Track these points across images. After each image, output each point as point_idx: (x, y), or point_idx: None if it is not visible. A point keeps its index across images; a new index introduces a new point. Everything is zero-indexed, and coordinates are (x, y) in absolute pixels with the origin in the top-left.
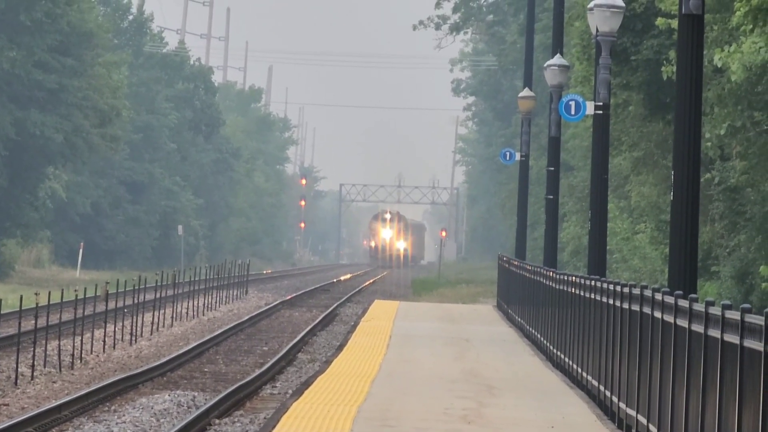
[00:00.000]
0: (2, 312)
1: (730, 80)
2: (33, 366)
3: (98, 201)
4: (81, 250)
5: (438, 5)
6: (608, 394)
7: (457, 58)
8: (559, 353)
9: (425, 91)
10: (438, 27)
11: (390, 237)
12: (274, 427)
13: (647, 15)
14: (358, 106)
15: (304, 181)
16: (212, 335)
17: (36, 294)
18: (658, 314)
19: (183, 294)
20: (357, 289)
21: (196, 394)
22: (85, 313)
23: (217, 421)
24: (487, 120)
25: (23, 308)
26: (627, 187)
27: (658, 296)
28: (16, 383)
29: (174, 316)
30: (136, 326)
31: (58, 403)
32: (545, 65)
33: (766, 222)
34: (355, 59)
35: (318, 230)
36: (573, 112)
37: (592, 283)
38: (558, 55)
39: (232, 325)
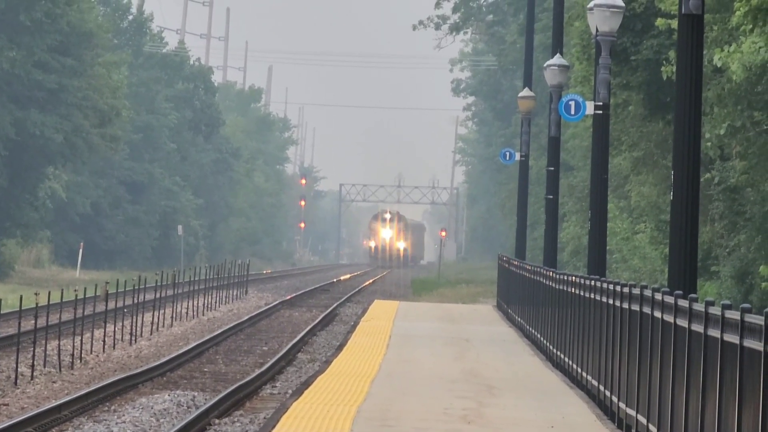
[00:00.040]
0: (2, 312)
1: (729, 80)
2: (33, 366)
3: (98, 201)
4: (81, 250)
5: (438, 5)
6: (608, 393)
7: (456, 58)
8: (559, 353)
9: (425, 91)
10: (438, 27)
11: (390, 237)
12: (273, 427)
13: (647, 15)
14: (358, 106)
15: (304, 181)
16: (212, 335)
17: (36, 294)
18: (657, 314)
19: (183, 294)
20: (357, 289)
21: (195, 394)
22: (85, 313)
23: (216, 421)
24: (486, 120)
25: (23, 308)
26: (627, 187)
27: (658, 296)
28: (15, 383)
29: (174, 316)
30: (136, 326)
31: (58, 403)
32: (545, 65)
33: (765, 222)
34: (355, 59)
35: (318, 230)
36: (573, 112)
37: (592, 283)
38: (558, 55)
39: (231, 325)
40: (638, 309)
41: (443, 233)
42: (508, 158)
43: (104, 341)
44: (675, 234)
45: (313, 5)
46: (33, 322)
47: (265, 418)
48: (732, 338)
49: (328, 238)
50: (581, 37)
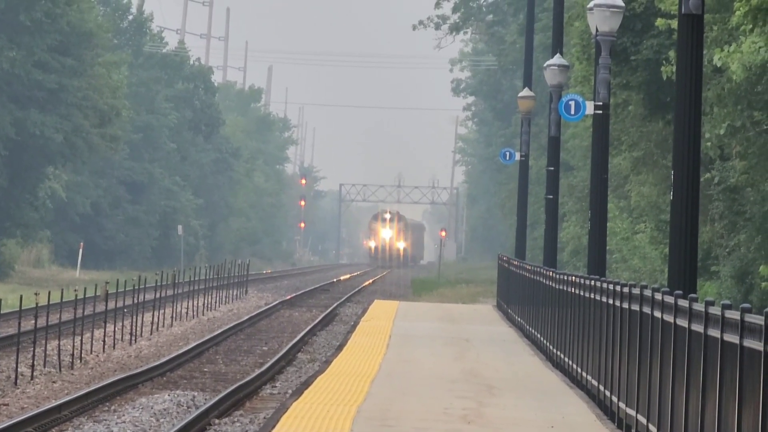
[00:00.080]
0: (2, 312)
1: (729, 80)
2: (33, 366)
3: (98, 201)
4: (81, 250)
5: (438, 5)
6: (608, 393)
7: (456, 58)
8: (558, 353)
9: (425, 91)
10: (438, 27)
11: (390, 237)
12: (273, 427)
13: (647, 15)
14: (358, 106)
15: (303, 181)
16: (212, 335)
17: (36, 294)
18: (657, 314)
19: (183, 294)
20: (357, 289)
21: (195, 393)
22: (85, 313)
23: (216, 421)
24: (486, 120)
25: (23, 308)
26: (627, 187)
27: (658, 296)
28: (15, 383)
29: (174, 316)
30: (136, 326)
31: (58, 403)
32: (545, 65)
33: (765, 222)
34: (355, 59)
35: (318, 230)
36: (573, 112)
37: (592, 282)
38: (558, 54)
39: (231, 325)
40: (638, 309)
41: (443, 233)
42: (508, 158)
43: (104, 341)
44: (675, 234)
45: (313, 5)
46: (33, 322)
47: (265, 418)
48: (732, 338)
49: (328, 238)
50: (581, 37)
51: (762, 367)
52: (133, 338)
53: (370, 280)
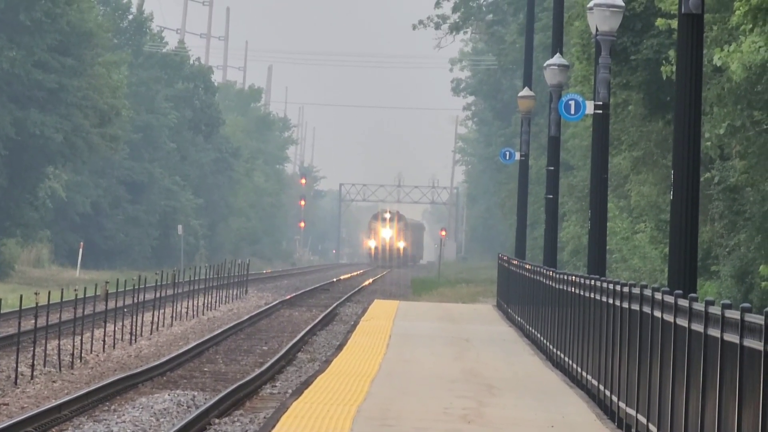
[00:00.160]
0: (2, 312)
1: (729, 80)
2: (33, 365)
3: (98, 201)
4: (81, 250)
5: (437, 5)
6: (608, 393)
7: (456, 57)
8: (558, 353)
9: (425, 91)
10: (438, 27)
11: (390, 236)
12: (273, 426)
13: (647, 14)
14: (358, 105)
15: (303, 181)
16: (212, 335)
17: (36, 294)
18: (657, 314)
19: (183, 294)
20: (357, 289)
21: (195, 393)
22: (85, 313)
23: (216, 420)
24: (486, 119)
25: (23, 308)
26: (627, 187)
27: (658, 295)
28: (15, 383)
29: (174, 315)
30: (136, 326)
31: (58, 402)
32: (545, 65)
33: (765, 221)
34: (355, 59)
35: (318, 230)
36: (573, 112)
37: (592, 282)
38: (558, 54)
39: (231, 324)
40: (638, 308)
41: (443, 233)
42: (507, 158)
43: (104, 341)
44: (675, 233)
45: (313, 5)
46: (33, 321)
47: (265, 417)
48: (732, 338)
49: (328, 238)
50: (581, 37)
51: (762, 366)
52: (133, 338)
53: (370, 280)
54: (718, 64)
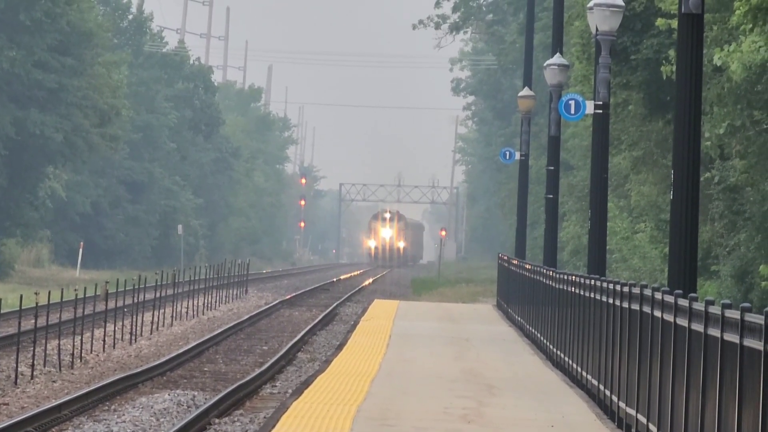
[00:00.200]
0: (2, 311)
1: (729, 79)
2: (33, 365)
3: (98, 200)
4: (81, 250)
5: (437, 5)
6: (608, 393)
7: (456, 57)
8: (558, 352)
9: (425, 91)
10: (438, 26)
11: (390, 236)
12: (273, 426)
13: (647, 14)
14: (358, 105)
15: (303, 181)
16: (212, 335)
17: (36, 293)
18: (657, 313)
19: (183, 293)
20: (357, 289)
21: (195, 393)
22: (85, 313)
23: (216, 420)
24: (486, 119)
25: (23, 308)
26: (627, 187)
27: (658, 295)
28: (15, 383)
29: (174, 315)
30: (136, 326)
31: (58, 402)
32: (545, 64)
33: (765, 221)
34: (355, 59)
35: (318, 230)
36: (573, 112)
37: (592, 282)
38: (558, 54)
39: (231, 324)
40: (638, 308)
41: (443, 233)
42: (507, 157)
43: (104, 341)
44: (675, 233)
45: (313, 5)
46: (33, 321)
47: (265, 417)
48: (732, 337)
49: (328, 238)
50: (581, 37)
51: (762, 366)
52: (133, 338)
53: (370, 280)
54: (718, 64)
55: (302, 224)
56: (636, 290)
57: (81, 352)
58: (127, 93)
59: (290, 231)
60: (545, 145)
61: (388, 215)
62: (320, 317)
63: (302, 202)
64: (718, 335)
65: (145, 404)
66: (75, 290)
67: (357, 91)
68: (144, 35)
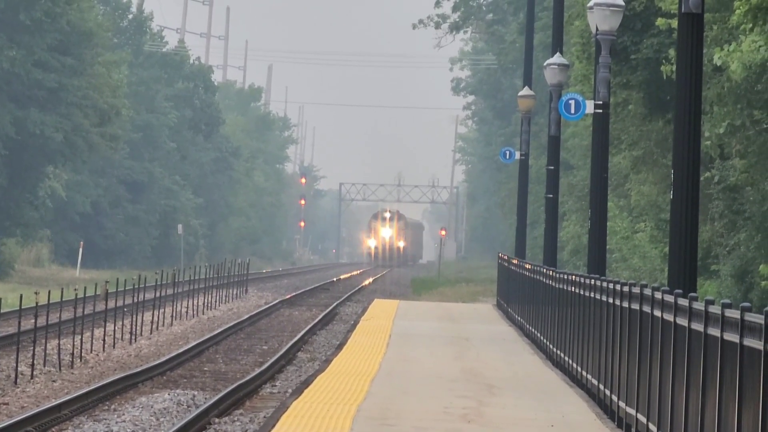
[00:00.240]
0: (2, 311)
1: (729, 79)
2: (33, 365)
3: (98, 200)
4: (81, 250)
5: (437, 4)
6: (608, 392)
7: (456, 57)
8: (558, 352)
9: (425, 90)
10: (438, 26)
11: (390, 236)
12: (273, 426)
13: (647, 14)
14: (358, 105)
15: (303, 180)
16: (212, 334)
17: (36, 293)
18: (657, 313)
19: (183, 293)
20: (357, 288)
21: (195, 393)
22: (85, 312)
23: (216, 420)
24: (486, 119)
25: (23, 307)
26: (627, 186)
27: (658, 295)
28: (15, 382)
29: (174, 315)
30: (136, 325)
31: (58, 402)
32: (545, 64)
33: (765, 221)
34: (355, 58)
35: (318, 229)
36: (573, 111)
37: (592, 281)
38: (558, 53)
39: (231, 324)
40: (638, 308)
41: (443, 232)
42: (507, 157)
43: (104, 340)
44: (675, 233)
45: (313, 5)
46: (33, 321)
47: (265, 417)
48: (732, 337)
49: (328, 237)
50: (581, 36)
51: (762, 366)
52: (133, 337)
53: (370, 280)
54: (718, 64)
55: (302, 224)
56: (636, 290)
57: (81, 352)
58: (127, 93)
59: (290, 231)
60: (545, 145)
61: (388, 215)
62: (320, 317)
63: (302, 202)
64: (718, 335)
65: (145, 404)
66: (75, 290)
67: (357, 91)
68: (144, 35)
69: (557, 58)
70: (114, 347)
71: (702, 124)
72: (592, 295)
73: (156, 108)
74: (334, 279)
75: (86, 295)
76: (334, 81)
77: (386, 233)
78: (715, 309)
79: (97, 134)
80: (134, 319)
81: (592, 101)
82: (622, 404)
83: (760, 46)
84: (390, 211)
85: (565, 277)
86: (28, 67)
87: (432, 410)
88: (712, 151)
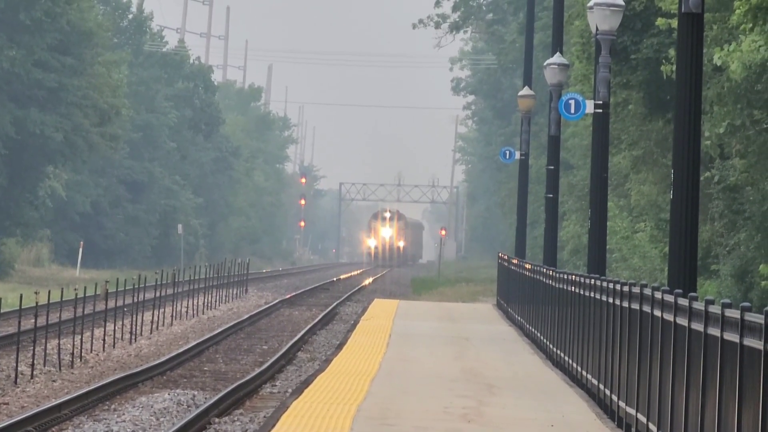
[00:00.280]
0: (2, 311)
1: (729, 79)
2: (33, 365)
3: (98, 200)
4: (81, 249)
5: (437, 4)
6: (608, 392)
7: (456, 56)
8: (558, 352)
9: (425, 90)
10: (438, 26)
11: (390, 236)
12: (273, 426)
13: (647, 14)
14: (358, 105)
15: (303, 180)
16: (212, 334)
17: (36, 293)
18: (657, 313)
19: (183, 293)
20: (356, 288)
21: (195, 392)
22: (85, 312)
23: (216, 420)
24: (486, 119)
25: (23, 307)
26: (627, 186)
27: (658, 295)
28: (15, 382)
29: (174, 314)
30: (136, 325)
31: (58, 402)
32: (545, 64)
33: (765, 220)
34: (355, 58)
35: (318, 229)
36: (573, 111)
37: (592, 281)
38: (558, 53)
39: (231, 323)
40: (638, 308)
41: (443, 232)
42: (507, 157)
43: (104, 340)
44: (675, 233)
45: (313, 5)
46: (33, 321)
47: (265, 416)
48: (732, 337)
49: (328, 237)
50: (581, 36)
51: (762, 366)
52: (133, 337)
53: (370, 279)
54: (718, 64)
55: (302, 224)
56: (636, 290)
57: (81, 352)
58: (127, 92)
59: (290, 230)
60: (545, 145)
61: (387, 214)
62: (320, 316)
63: (302, 202)
64: (718, 335)
65: (145, 404)
66: (75, 290)
67: (357, 91)
68: (144, 35)
69: (557, 58)
70: (114, 347)
71: (702, 123)
72: (592, 294)
73: (156, 108)
74: (334, 279)
75: (86, 295)
76: (334, 81)
77: (386, 233)
78: (715, 309)
79: (97, 134)
80: (134, 319)
81: (592, 101)
82: (622, 404)
83: (760, 46)
84: (390, 211)
85: (565, 276)
86: (28, 67)
87: (432, 410)
88: (712, 150)
